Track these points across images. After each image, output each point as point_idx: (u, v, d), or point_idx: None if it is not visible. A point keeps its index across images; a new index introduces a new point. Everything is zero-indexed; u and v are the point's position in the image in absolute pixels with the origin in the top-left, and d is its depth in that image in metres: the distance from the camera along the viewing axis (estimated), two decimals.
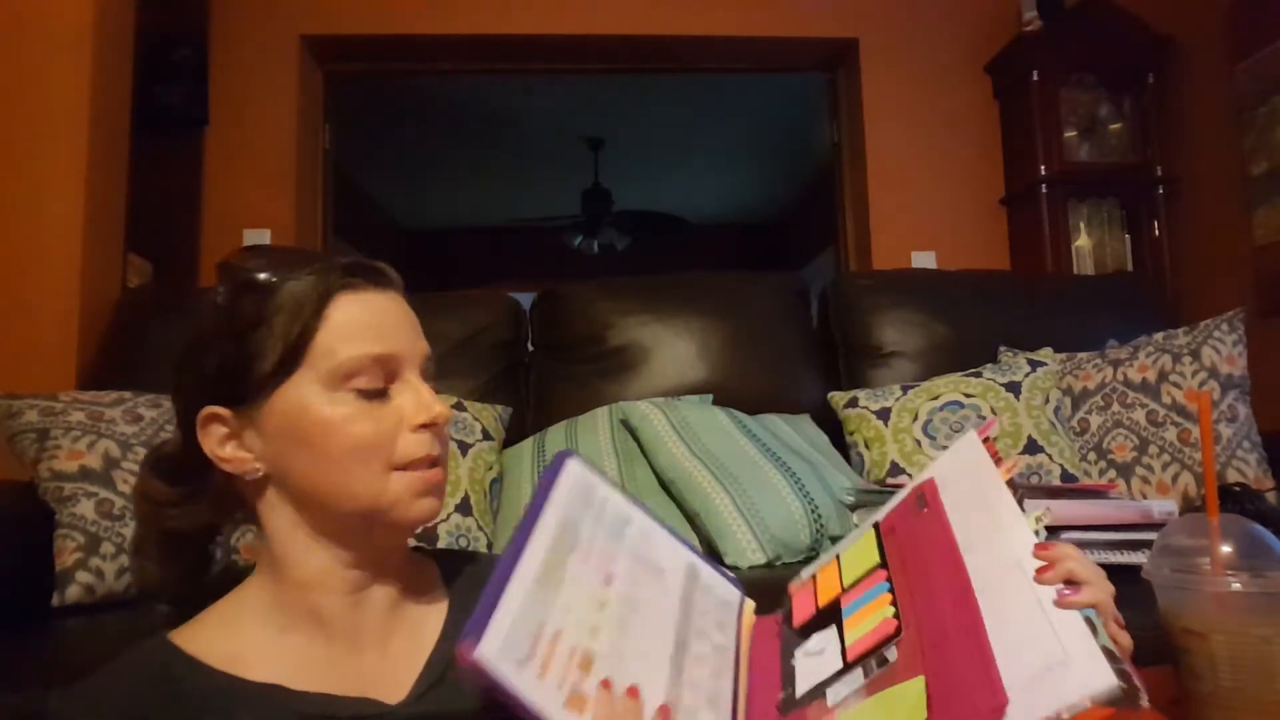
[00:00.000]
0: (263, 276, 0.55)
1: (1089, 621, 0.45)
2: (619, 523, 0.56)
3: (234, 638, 0.54)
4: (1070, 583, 0.47)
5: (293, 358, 0.54)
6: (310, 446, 0.54)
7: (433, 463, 0.57)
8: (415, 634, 0.59)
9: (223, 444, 0.56)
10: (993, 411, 1.52)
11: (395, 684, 0.56)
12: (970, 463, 0.59)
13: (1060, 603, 0.46)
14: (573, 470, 0.55)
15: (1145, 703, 0.41)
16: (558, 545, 0.50)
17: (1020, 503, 0.53)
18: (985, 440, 0.59)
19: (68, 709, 0.50)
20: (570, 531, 0.52)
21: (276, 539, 0.57)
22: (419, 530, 0.59)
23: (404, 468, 0.55)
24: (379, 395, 0.56)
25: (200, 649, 0.53)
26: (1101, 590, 0.47)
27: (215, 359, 0.56)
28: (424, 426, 0.56)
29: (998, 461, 0.57)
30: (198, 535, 0.61)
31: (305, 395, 0.54)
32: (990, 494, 0.55)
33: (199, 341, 0.57)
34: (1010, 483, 0.55)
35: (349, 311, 0.56)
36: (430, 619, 0.61)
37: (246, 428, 0.56)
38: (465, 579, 0.64)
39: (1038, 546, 0.49)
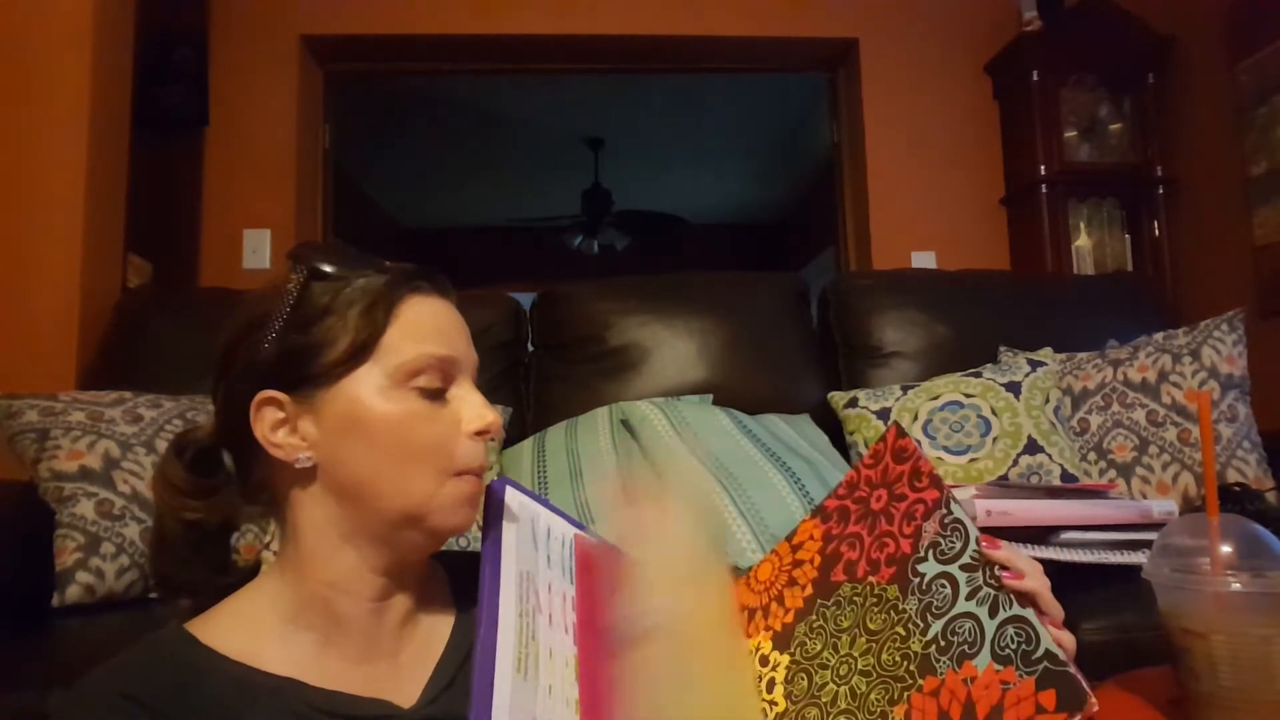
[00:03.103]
0: (336, 269, 0.57)
1: (1029, 626, 0.46)
2: (567, 554, 0.59)
3: (250, 632, 0.54)
4: (1004, 568, 0.50)
5: (363, 350, 0.55)
6: (369, 440, 0.54)
7: (480, 472, 0.58)
8: (425, 641, 0.59)
9: (275, 429, 0.55)
10: (993, 412, 1.52)
11: (405, 690, 0.56)
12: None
13: (1006, 583, 0.48)
14: (512, 502, 0.57)
15: (1092, 703, 0.41)
16: (523, 612, 0.50)
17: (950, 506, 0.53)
18: (904, 438, 0.59)
19: (84, 694, 0.50)
20: (530, 586, 0.53)
21: (308, 534, 0.56)
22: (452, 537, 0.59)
23: (459, 474, 0.56)
24: (438, 398, 0.57)
25: (217, 641, 0.53)
26: (1039, 582, 0.50)
27: (278, 344, 0.55)
28: (479, 434, 0.57)
29: (922, 466, 0.56)
30: (216, 529, 0.60)
31: (369, 389, 0.55)
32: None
33: (259, 326, 0.56)
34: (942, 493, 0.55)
35: (417, 313, 0.57)
36: (439, 624, 0.61)
37: (303, 415, 0.55)
38: (472, 582, 0.64)
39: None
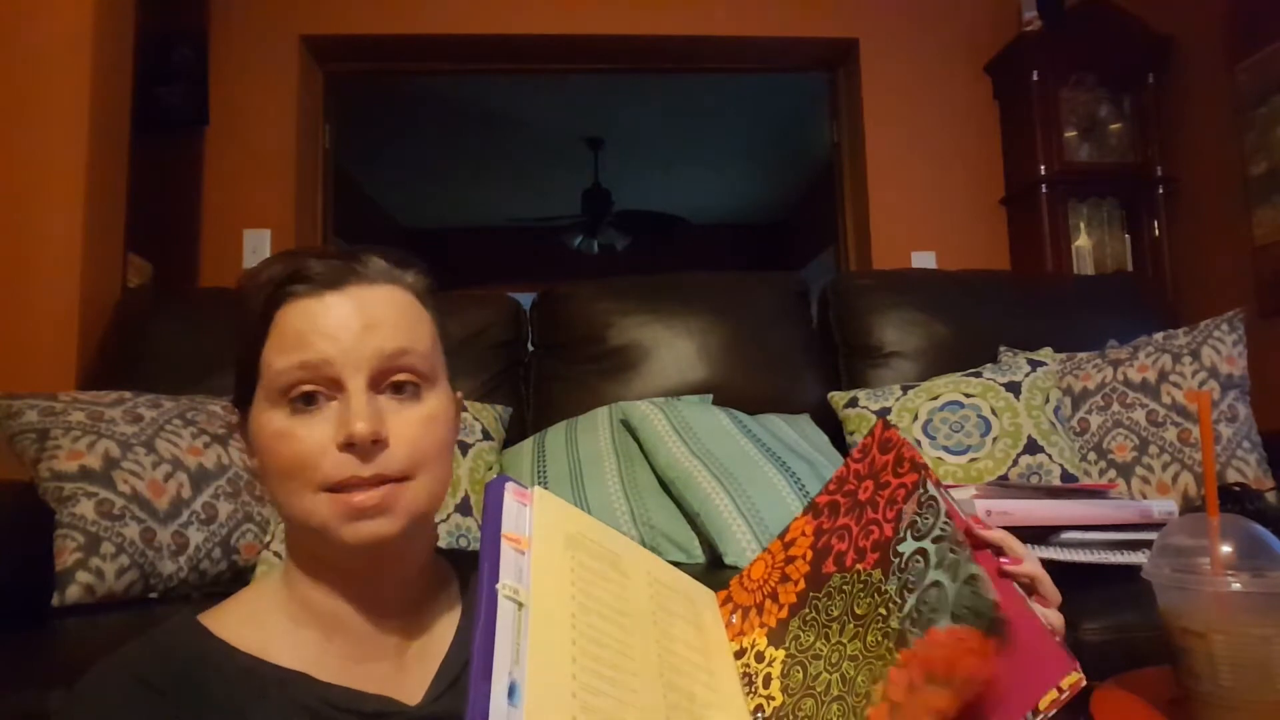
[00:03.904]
0: (242, 291, 0.57)
1: (979, 580, 0.47)
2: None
3: (258, 627, 0.55)
4: (1000, 552, 0.51)
5: (250, 373, 0.56)
6: (261, 460, 0.55)
7: (366, 483, 0.52)
8: (430, 640, 0.59)
9: (248, 453, 0.58)
10: (993, 412, 1.52)
11: (410, 688, 0.56)
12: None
13: (1006, 569, 0.49)
14: (509, 501, 0.54)
15: (1079, 679, 0.42)
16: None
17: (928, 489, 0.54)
18: (890, 429, 0.60)
19: (98, 679, 0.50)
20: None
21: (287, 541, 0.58)
22: (385, 550, 0.55)
23: (333, 489, 0.52)
24: (318, 407, 0.53)
25: (227, 633, 0.54)
26: (1036, 565, 0.51)
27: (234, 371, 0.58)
28: (346, 446, 0.52)
29: (905, 453, 0.57)
30: None
31: (258, 410, 0.55)
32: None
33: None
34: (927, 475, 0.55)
35: (288, 322, 0.54)
36: (445, 623, 0.61)
37: (247, 433, 0.58)
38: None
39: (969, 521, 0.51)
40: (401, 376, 0.55)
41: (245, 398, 0.57)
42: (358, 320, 0.54)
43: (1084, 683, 0.42)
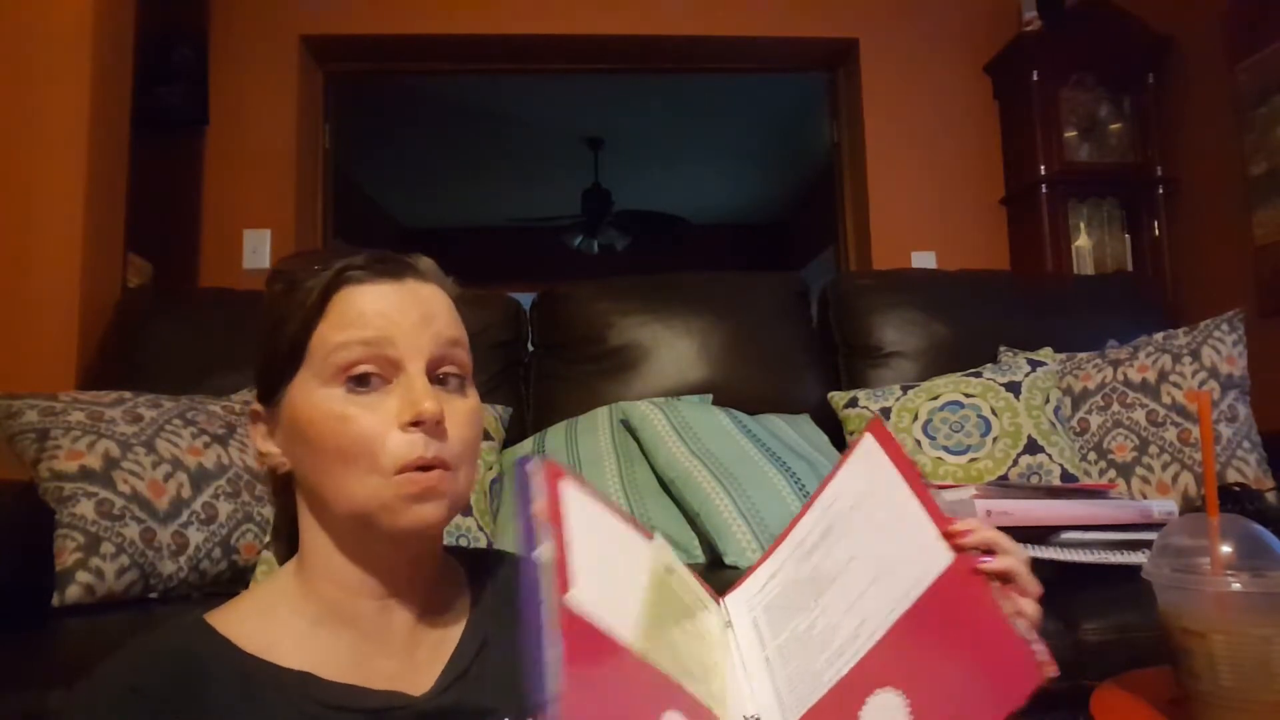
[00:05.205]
0: (289, 276, 0.57)
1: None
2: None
3: (267, 625, 0.55)
4: (988, 551, 0.50)
5: (296, 353, 0.55)
6: (306, 444, 0.54)
7: (428, 465, 0.53)
8: (441, 636, 0.59)
9: (263, 439, 0.58)
10: (993, 412, 1.52)
11: (418, 683, 0.56)
12: (873, 474, 0.58)
13: (979, 567, 0.49)
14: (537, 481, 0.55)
15: (1049, 671, 0.42)
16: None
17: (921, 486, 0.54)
18: (881, 431, 0.60)
19: (91, 689, 0.50)
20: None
21: (306, 534, 0.57)
22: (425, 536, 0.56)
23: (398, 471, 0.52)
24: (373, 389, 0.53)
25: (233, 632, 0.53)
26: (1016, 558, 0.50)
27: (257, 358, 0.58)
28: (413, 425, 0.52)
29: (898, 454, 0.57)
30: None
31: (304, 391, 0.54)
32: (899, 503, 0.55)
33: (256, 342, 0.59)
34: (911, 469, 0.56)
35: (348, 303, 0.55)
36: (455, 619, 0.61)
37: (274, 423, 0.57)
38: (492, 580, 0.64)
39: (946, 522, 0.51)
40: (450, 369, 0.57)
41: (277, 384, 0.56)
42: (417, 310, 0.56)
43: (1054, 673, 0.42)
